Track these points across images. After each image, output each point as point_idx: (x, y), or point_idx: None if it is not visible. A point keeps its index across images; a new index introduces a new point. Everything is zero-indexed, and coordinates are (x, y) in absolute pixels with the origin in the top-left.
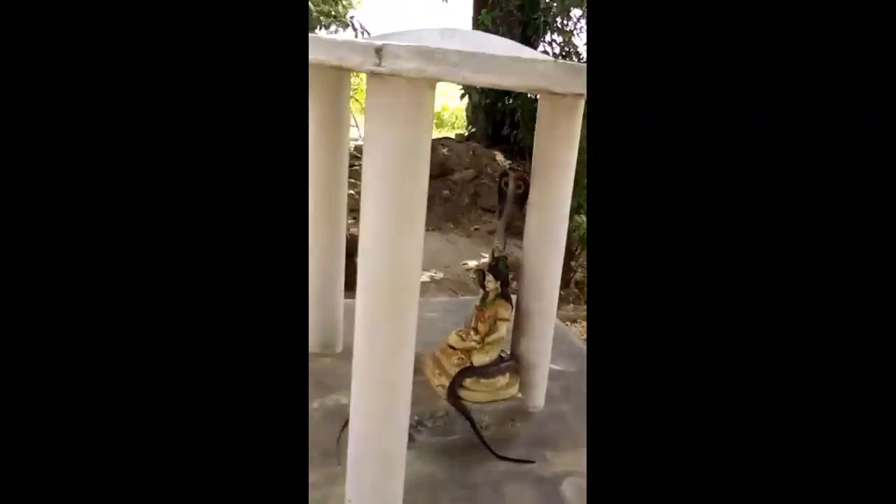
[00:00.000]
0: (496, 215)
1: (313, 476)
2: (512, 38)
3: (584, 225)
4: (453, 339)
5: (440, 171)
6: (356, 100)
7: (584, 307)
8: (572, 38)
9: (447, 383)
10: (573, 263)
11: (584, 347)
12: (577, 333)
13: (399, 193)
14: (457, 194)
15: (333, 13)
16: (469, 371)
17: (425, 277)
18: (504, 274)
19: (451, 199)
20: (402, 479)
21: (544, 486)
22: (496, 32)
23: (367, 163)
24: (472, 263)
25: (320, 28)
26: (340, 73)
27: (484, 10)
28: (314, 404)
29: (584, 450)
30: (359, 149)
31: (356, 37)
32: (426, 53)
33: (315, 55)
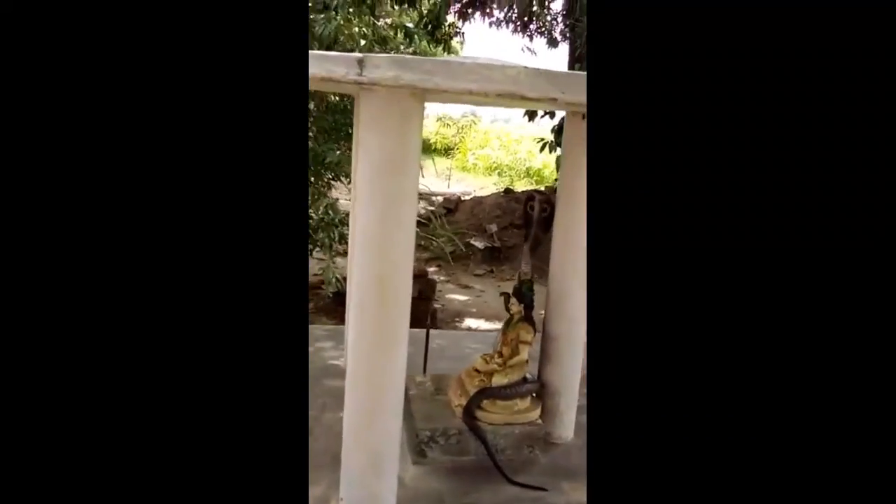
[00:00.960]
0: (523, 239)
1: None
2: None
3: None
4: (479, 362)
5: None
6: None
7: None
8: None
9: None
10: None
11: None
12: None
13: (384, 195)
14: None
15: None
16: (487, 392)
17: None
18: (528, 297)
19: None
20: (393, 480)
21: None
22: None
23: (357, 168)
24: None
25: None
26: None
27: (577, 65)
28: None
29: None
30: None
31: None
32: (402, 62)
33: (311, 70)
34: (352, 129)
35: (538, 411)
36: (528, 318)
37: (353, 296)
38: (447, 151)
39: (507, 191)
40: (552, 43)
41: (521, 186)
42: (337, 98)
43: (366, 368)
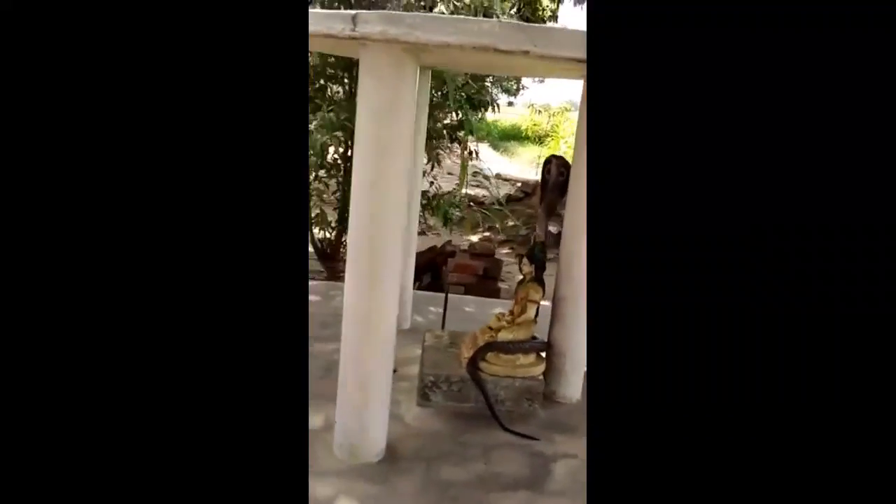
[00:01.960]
0: (539, 202)
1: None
2: None
3: None
4: (492, 320)
5: None
6: None
7: None
8: None
9: None
10: None
11: None
12: None
13: (378, 142)
14: None
15: None
16: (492, 346)
17: None
18: (539, 259)
19: None
20: (382, 411)
21: (536, 459)
22: None
23: (357, 119)
24: None
25: None
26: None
27: None
28: None
29: None
30: None
31: None
32: (389, 18)
33: (312, 27)
34: None
35: (541, 368)
36: (537, 279)
37: (350, 236)
38: (540, 140)
39: None
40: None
41: None
42: None
43: (357, 306)
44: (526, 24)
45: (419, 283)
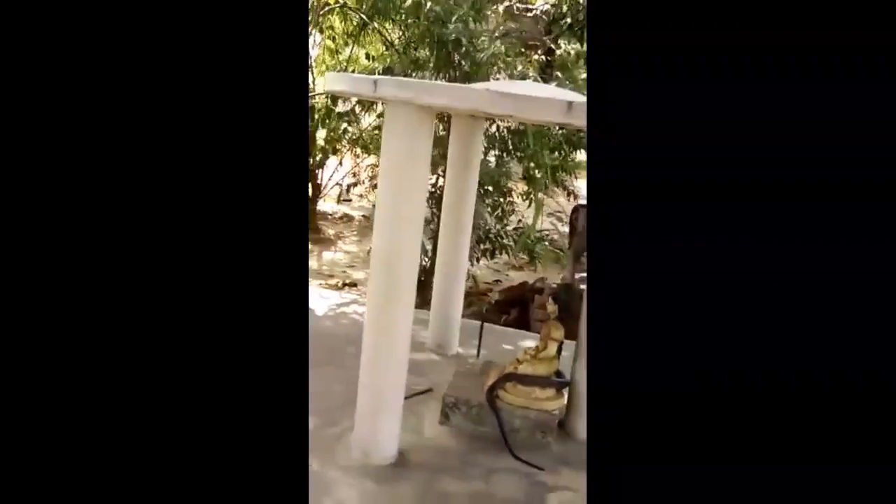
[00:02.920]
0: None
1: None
2: None
3: None
4: (521, 354)
5: None
6: None
7: None
8: None
9: None
10: None
11: None
12: None
13: (397, 187)
14: None
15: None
16: (511, 377)
17: None
18: (563, 300)
19: None
20: (394, 422)
21: (535, 487)
22: None
23: (381, 166)
24: None
25: None
26: (474, 124)
27: None
28: None
29: None
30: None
31: None
32: (400, 84)
33: (340, 87)
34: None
35: (557, 404)
36: (560, 319)
37: (371, 264)
38: None
39: None
40: None
41: None
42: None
43: (374, 326)
44: (512, 93)
45: (506, 316)
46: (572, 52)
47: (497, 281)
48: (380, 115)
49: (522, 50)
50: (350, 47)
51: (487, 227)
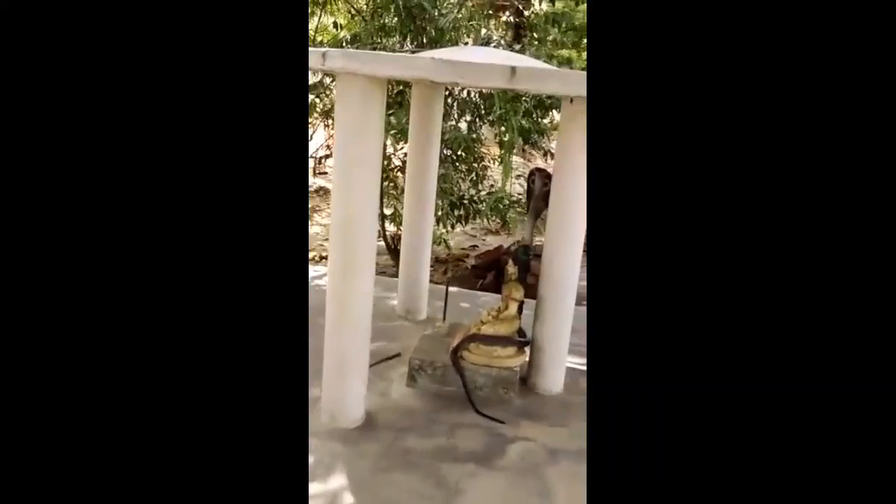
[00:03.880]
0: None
1: None
2: None
3: None
4: (483, 314)
5: None
6: None
7: None
8: None
9: None
10: None
11: None
12: None
13: (350, 158)
14: None
15: None
16: (474, 337)
17: None
18: (522, 261)
19: None
20: (358, 384)
21: (496, 439)
22: None
23: (335, 137)
24: None
25: None
26: (434, 92)
27: None
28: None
29: (562, 428)
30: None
31: None
32: (348, 55)
33: None
34: None
35: (518, 360)
36: (520, 279)
37: (330, 238)
38: None
39: None
40: None
41: None
42: None
43: (336, 294)
44: (456, 60)
45: (482, 280)
46: (541, 13)
47: (473, 246)
48: None
49: (490, 12)
50: (318, 16)
51: (461, 193)
